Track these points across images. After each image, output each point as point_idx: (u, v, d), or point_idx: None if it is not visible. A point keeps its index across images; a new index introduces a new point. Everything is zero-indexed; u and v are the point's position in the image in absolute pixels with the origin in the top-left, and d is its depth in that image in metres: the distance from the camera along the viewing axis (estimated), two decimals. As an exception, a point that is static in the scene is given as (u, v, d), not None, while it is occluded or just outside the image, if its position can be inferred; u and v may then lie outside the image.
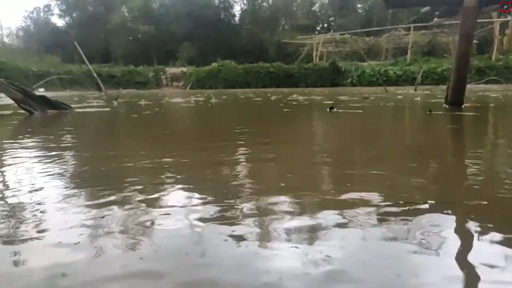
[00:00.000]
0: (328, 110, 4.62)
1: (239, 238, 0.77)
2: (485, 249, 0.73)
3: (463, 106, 4.70)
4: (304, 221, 0.86)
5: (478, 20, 20.33)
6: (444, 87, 5.74)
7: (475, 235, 0.79)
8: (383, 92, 11.32)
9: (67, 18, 46.63)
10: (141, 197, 1.07)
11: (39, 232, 0.83)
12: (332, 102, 6.68)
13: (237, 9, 46.28)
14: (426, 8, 6.46)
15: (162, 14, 41.11)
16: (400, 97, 8.68)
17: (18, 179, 1.33)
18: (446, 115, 3.88)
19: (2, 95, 5.19)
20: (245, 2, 45.65)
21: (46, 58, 33.57)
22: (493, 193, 1.09)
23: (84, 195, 1.12)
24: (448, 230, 0.81)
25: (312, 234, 0.79)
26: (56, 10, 47.35)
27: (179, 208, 0.97)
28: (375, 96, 8.93)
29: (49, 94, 6.04)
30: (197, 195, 1.09)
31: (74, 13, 45.01)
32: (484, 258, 0.68)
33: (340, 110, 4.58)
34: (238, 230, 0.82)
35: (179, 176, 1.33)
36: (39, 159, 1.71)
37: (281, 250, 0.72)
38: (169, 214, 0.93)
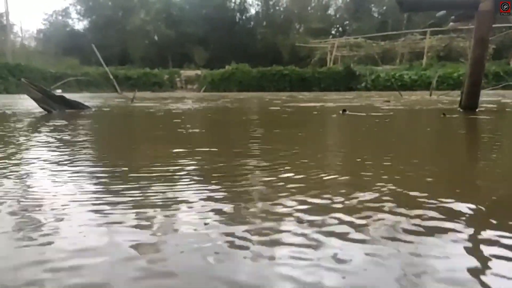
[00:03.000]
0: (340, 112, 4.67)
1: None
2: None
3: (477, 110, 4.67)
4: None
5: (496, 25, 20.05)
6: (459, 91, 5.71)
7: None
8: (397, 96, 11.28)
9: (85, 21, 47.55)
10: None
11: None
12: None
13: (252, 13, 46.50)
14: (442, 12, 6.43)
15: (179, 17, 41.57)
16: (415, 100, 8.63)
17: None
18: (460, 118, 3.87)
19: (23, 95, 5.33)
20: (260, 5, 45.90)
21: (64, 60, 34.27)
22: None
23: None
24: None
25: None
26: (74, 14, 48.36)
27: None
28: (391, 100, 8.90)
29: (66, 95, 6.19)
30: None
31: (93, 16, 45.86)
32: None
33: (351, 113, 4.61)
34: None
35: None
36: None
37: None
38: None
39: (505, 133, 2.80)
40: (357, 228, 0.80)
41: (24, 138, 2.40)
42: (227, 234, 0.77)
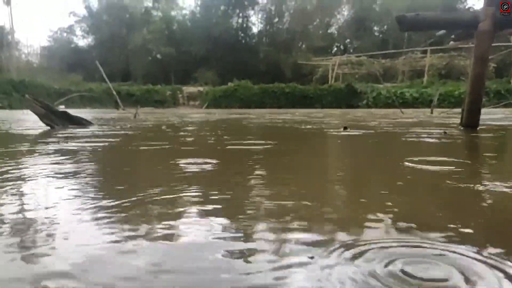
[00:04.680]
0: (342, 129, 4.69)
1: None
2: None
3: (478, 128, 4.68)
4: None
5: (497, 44, 20.19)
6: (460, 109, 5.73)
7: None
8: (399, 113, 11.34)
9: (89, 39, 48.29)
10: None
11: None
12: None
13: (254, 31, 47.15)
14: (442, 31, 6.51)
15: (181, 36, 42.15)
16: (417, 117, 8.66)
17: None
18: (460, 136, 3.88)
19: (27, 111, 5.38)
20: (263, 24, 46.57)
21: (68, 76, 34.63)
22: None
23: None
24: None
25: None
26: (79, 31, 49.10)
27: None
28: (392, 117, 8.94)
29: (70, 111, 6.24)
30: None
31: (97, 33, 46.57)
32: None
33: (352, 130, 4.63)
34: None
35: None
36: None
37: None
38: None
39: (504, 153, 2.81)
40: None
41: (26, 153, 2.42)
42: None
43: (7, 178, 1.50)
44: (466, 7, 41.51)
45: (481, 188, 1.28)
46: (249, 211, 1.01)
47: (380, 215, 0.95)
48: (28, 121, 6.86)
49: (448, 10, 32.84)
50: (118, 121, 7.27)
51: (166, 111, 20.09)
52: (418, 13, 4.68)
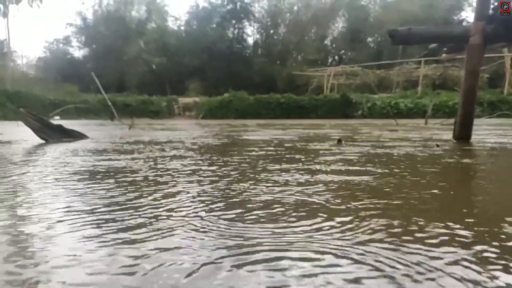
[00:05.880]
0: (336, 142, 4.71)
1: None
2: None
3: (470, 140, 4.72)
4: None
5: (489, 55, 20.33)
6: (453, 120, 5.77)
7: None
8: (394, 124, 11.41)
9: (85, 50, 48.40)
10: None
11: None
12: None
13: (249, 42, 47.44)
14: (434, 44, 6.60)
15: (176, 47, 42.34)
16: (411, 129, 8.72)
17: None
18: (452, 149, 3.91)
19: (21, 123, 5.37)
20: (258, 35, 46.91)
21: (64, 87, 34.59)
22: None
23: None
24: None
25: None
26: (75, 42, 49.23)
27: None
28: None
29: (65, 122, 6.24)
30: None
31: (92, 45, 46.70)
32: None
33: (347, 143, 4.65)
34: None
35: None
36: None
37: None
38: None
39: (492, 167, 2.83)
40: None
41: (19, 167, 2.41)
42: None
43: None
44: (460, 18, 42.04)
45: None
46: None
47: None
48: (22, 132, 6.85)
49: (442, 24, 33.23)
50: (114, 137, 7.28)
51: (160, 122, 20.09)
52: (410, 27, 4.74)
